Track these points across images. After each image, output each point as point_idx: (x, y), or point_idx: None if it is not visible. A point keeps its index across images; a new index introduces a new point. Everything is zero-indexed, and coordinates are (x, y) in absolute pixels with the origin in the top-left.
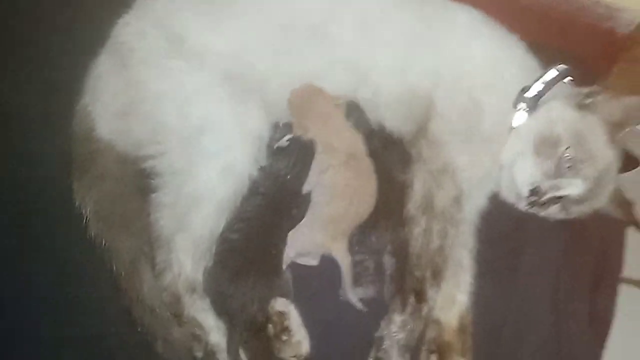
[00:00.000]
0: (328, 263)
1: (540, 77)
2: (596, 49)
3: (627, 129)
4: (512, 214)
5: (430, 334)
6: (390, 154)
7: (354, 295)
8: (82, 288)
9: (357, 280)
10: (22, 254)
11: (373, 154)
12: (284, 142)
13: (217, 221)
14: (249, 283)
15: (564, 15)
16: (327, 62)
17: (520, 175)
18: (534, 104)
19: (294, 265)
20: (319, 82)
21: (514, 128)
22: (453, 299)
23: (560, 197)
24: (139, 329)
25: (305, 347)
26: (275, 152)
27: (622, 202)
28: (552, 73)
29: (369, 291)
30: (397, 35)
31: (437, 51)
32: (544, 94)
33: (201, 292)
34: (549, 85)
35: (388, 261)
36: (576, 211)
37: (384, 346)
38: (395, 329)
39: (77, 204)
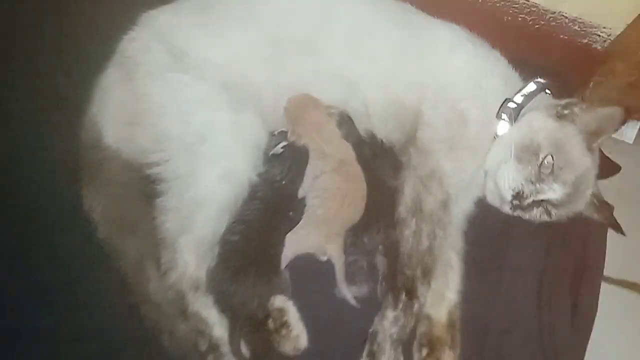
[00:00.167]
0: (324, 262)
1: (521, 90)
2: (573, 64)
3: (602, 138)
4: (498, 217)
5: (421, 329)
6: (382, 161)
7: (348, 292)
8: (92, 286)
9: (351, 279)
10: (36, 255)
11: (366, 161)
12: (278, 149)
13: (218, 223)
14: (250, 281)
15: (543, 32)
16: (317, 73)
17: (504, 181)
18: (516, 115)
19: (292, 265)
20: (311, 92)
21: (497, 137)
22: (442, 296)
23: (541, 201)
24: (146, 324)
25: (303, 341)
26: (270, 159)
27: (601, 206)
28: (532, 86)
29: (363, 289)
30: (384, 49)
31: (422, 65)
32: (525, 105)
33: (204, 290)
34: (529, 97)
35: (380, 261)
36: (557, 214)
37: (377, 340)
38: (388, 325)
39: (86, 208)
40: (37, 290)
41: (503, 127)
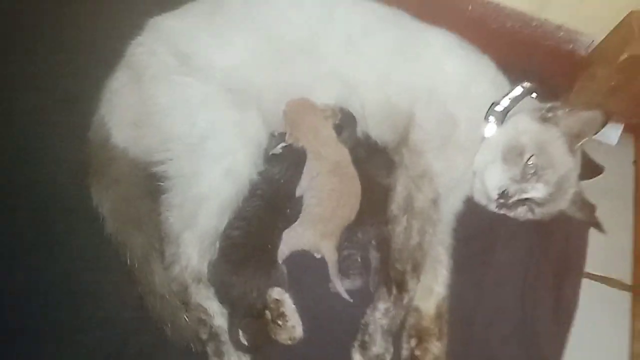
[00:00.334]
0: (320, 258)
1: (508, 93)
2: (558, 69)
3: (584, 140)
4: (485, 215)
5: (411, 320)
6: (376, 161)
7: (341, 287)
8: (100, 278)
9: (345, 273)
10: (47, 249)
11: (360, 160)
12: (278, 149)
13: (220, 219)
14: (249, 274)
15: (530, 39)
16: (316, 76)
17: (490, 180)
18: (502, 117)
19: (289, 259)
20: (310, 94)
21: (485, 138)
22: (431, 290)
23: (525, 200)
24: (150, 314)
25: (298, 331)
26: (270, 159)
27: (583, 205)
28: (518, 90)
29: (356, 282)
30: (378, 53)
31: (415, 68)
32: (512, 108)
33: (206, 282)
34: (516, 100)
35: (373, 255)
36: (540, 212)
37: (369, 331)
38: (380, 316)
39: (94, 204)
40: (47, 281)
41: (491, 129)
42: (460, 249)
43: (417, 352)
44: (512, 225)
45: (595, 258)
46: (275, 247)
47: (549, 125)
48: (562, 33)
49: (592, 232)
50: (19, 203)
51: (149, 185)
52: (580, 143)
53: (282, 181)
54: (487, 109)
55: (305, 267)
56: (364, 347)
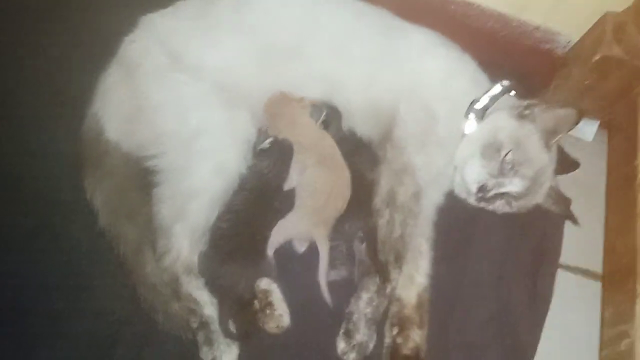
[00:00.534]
0: (307, 249)
1: (488, 91)
2: (536, 67)
3: (559, 136)
4: (465, 208)
5: (393, 309)
6: (361, 156)
7: (325, 280)
8: (94, 269)
9: (332, 263)
10: (41, 241)
11: (347, 155)
12: (266, 144)
13: (210, 212)
14: (238, 265)
15: (509, 38)
16: (303, 76)
17: (470, 175)
18: (482, 114)
19: (277, 251)
20: (297, 93)
21: (465, 134)
22: (412, 280)
23: (503, 194)
24: (142, 304)
25: (286, 320)
26: (259, 153)
27: (559, 199)
28: (498, 88)
29: (341, 272)
30: (363, 53)
31: (398, 67)
32: (491, 106)
33: (196, 273)
34: (495, 98)
35: (358, 247)
36: (517, 206)
37: (353, 320)
38: (363, 305)
39: (88, 197)
40: (42, 273)
41: (470, 125)
42: (441, 241)
43: (399, 340)
44: (490, 218)
45: (570, 249)
46: (264, 238)
47: (526, 122)
48: (540, 33)
49: (567, 225)
50: (12, 196)
51: (142, 178)
52: (555, 139)
53: (270, 175)
54: (467, 106)
55: (293, 258)
56: (348, 335)
